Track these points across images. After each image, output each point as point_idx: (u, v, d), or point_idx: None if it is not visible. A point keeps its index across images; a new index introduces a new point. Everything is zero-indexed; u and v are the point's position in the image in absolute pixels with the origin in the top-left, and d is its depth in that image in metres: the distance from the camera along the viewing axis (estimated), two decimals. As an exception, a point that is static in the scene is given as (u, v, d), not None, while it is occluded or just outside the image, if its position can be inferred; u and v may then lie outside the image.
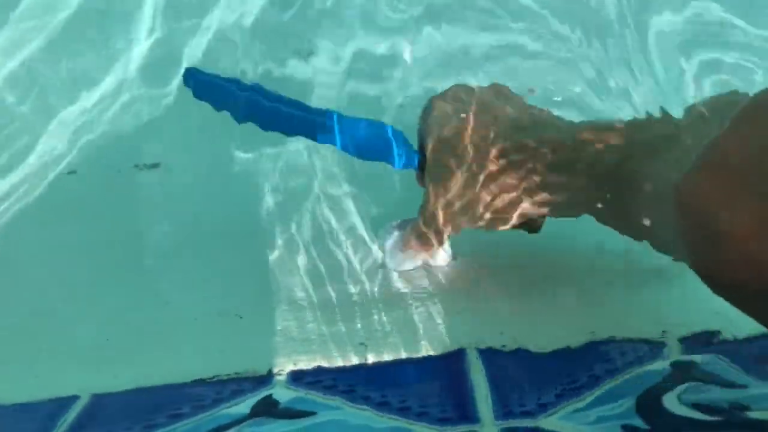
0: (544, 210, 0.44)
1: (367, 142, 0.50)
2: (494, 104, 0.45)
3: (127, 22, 0.85)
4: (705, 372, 0.39)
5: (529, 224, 0.47)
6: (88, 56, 0.82)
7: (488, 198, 0.44)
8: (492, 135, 0.43)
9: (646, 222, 0.36)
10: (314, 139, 0.52)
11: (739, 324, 0.42)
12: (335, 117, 0.51)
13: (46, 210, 0.65)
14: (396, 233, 0.53)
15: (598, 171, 0.38)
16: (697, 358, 0.40)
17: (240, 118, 0.53)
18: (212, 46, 0.79)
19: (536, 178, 0.42)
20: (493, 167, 0.43)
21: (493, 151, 0.43)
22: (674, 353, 0.41)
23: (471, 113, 0.45)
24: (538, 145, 0.42)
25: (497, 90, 0.48)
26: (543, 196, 0.42)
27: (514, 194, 0.43)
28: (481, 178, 0.44)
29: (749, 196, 0.28)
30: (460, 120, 0.45)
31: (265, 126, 0.52)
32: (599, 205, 0.40)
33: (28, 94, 0.79)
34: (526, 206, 0.43)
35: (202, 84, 0.54)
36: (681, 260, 0.36)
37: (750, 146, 0.29)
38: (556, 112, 0.46)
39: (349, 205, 0.61)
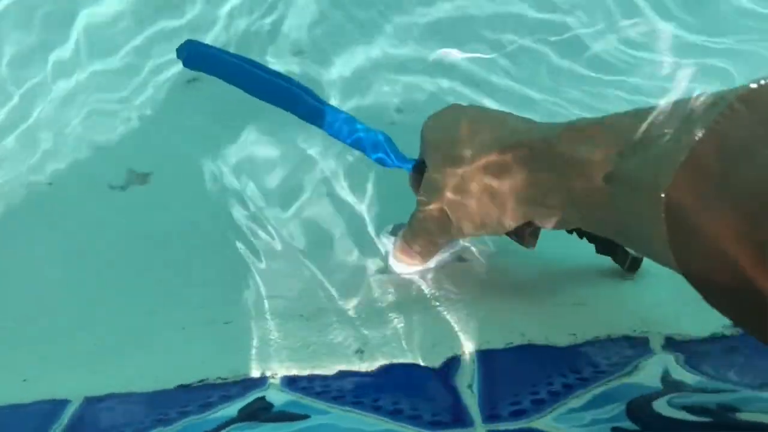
0: (530, 217, 0.44)
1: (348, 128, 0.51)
2: (484, 118, 0.46)
3: (109, 31, 0.84)
4: (694, 386, 0.39)
5: (519, 236, 0.48)
6: (71, 64, 0.82)
7: (478, 208, 0.44)
8: (481, 146, 0.44)
9: (627, 221, 0.36)
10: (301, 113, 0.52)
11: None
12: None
13: (35, 219, 0.64)
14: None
15: (582, 171, 0.38)
16: (686, 377, 0.40)
17: (232, 82, 0.53)
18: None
19: (524, 184, 0.42)
20: (482, 177, 0.44)
21: (483, 161, 0.44)
22: (658, 351, 0.41)
23: (464, 127, 0.46)
24: (524, 149, 0.42)
25: (487, 110, 0.49)
26: (530, 202, 0.43)
27: (505, 201, 0.44)
28: (472, 188, 0.44)
29: (722, 197, 0.29)
30: (453, 134, 0.46)
31: (254, 92, 0.53)
32: (585, 209, 0.40)
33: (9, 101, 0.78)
34: (514, 214, 0.44)
35: (197, 54, 0.54)
36: (657, 258, 0.36)
37: (723, 150, 0.30)
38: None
39: (344, 211, 0.61)
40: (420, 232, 0.49)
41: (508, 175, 0.43)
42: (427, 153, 0.48)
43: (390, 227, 0.54)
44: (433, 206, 0.46)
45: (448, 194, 0.45)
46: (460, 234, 0.47)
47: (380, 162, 0.51)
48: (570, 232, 0.49)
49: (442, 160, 0.46)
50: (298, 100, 0.52)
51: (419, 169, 0.50)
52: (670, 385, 0.39)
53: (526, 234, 0.47)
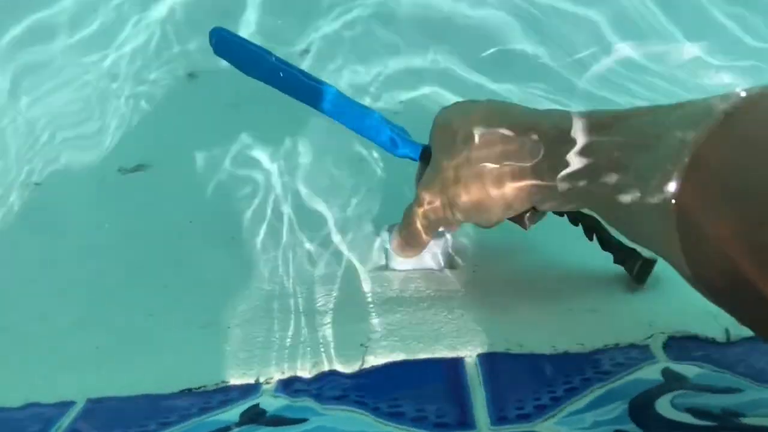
0: (533, 202, 0.43)
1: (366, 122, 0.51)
2: (498, 108, 0.46)
3: (110, 26, 0.85)
4: (697, 383, 0.39)
5: (517, 219, 0.47)
6: (71, 58, 0.82)
7: (480, 195, 0.44)
8: (490, 130, 0.44)
9: (633, 219, 0.36)
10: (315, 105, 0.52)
11: (726, 325, 0.43)
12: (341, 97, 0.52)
13: (41, 220, 0.64)
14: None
15: (592, 165, 0.38)
16: (687, 369, 0.40)
17: (258, 77, 0.53)
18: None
19: (531, 171, 0.42)
20: (489, 161, 0.43)
21: (490, 144, 0.43)
22: (660, 357, 0.41)
23: (475, 115, 0.45)
24: (534, 135, 0.42)
25: (502, 102, 0.48)
26: (533, 188, 0.42)
27: (509, 188, 0.43)
28: (476, 171, 0.44)
29: (726, 200, 0.29)
30: (463, 121, 0.45)
31: (280, 86, 0.53)
32: (591, 199, 0.40)
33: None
34: (515, 199, 0.43)
35: (227, 42, 0.54)
36: (664, 258, 0.36)
37: (728, 152, 0.30)
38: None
39: (346, 207, 0.61)
40: (418, 219, 0.48)
41: (516, 161, 0.42)
42: (434, 139, 0.47)
43: (389, 225, 0.54)
44: (434, 191, 0.46)
45: (451, 178, 0.45)
46: (458, 219, 0.47)
47: (392, 151, 0.52)
48: (575, 223, 0.48)
49: (449, 143, 0.45)
50: (313, 93, 0.52)
51: (426, 156, 0.49)
52: (671, 378, 0.39)
53: (525, 218, 0.46)
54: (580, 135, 0.39)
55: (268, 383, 0.42)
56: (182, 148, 0.71)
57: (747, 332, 0.41)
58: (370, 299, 0.49)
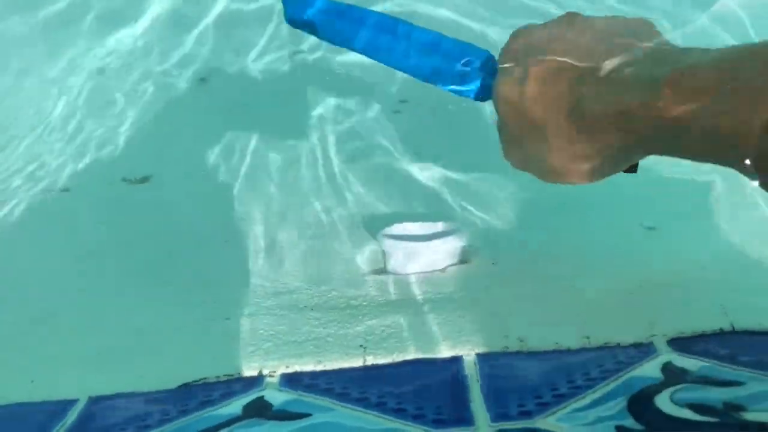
0: (612, 149, 0.39)
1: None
2: (567, 35, 0.41)
3: (118, 36, 0.85)
4: (698, 375, 0.39)
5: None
6: (78, 69, 0.82)
7: (561, 140, 0.40)
8: (565, 67, 0.40)
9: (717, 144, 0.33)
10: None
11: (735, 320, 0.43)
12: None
13: (45, 221, 0.65)
14: (396, 239, 0.52)
15: (688, 130, 0.34)
16: (689, 363, 0.40)
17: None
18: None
19: (609, 118, 0.38)
20: (563, 104, 0.39)
21: (565, 86, 0.40)
22: (664, 354, 0.41)
23: (544, 51, 0.41)
24: (611, 77, 0.38)
25: (569, 20, 0.43)
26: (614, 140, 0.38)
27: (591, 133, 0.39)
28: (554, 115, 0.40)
29: None
30: (532, 55, 0.41)
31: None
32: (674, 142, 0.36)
33: (19, 107, 0.79)
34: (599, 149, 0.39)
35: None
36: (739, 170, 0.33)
37: None
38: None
39: (348, 209, 0.61)
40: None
41: (593, 112, 0.38)
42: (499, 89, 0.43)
43: (387, 229, 0.54)
44: (516, 159, 0.44)
45: (533, 157, 0.42)
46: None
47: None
48: None
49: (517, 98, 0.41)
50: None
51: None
52: (671, 374, 0.39)
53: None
54: (671, 110, 0.35)
55: (272, 376, 0.42)
56: (188, 152, 0.72)
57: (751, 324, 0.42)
58: (369, 302, 0.49)
